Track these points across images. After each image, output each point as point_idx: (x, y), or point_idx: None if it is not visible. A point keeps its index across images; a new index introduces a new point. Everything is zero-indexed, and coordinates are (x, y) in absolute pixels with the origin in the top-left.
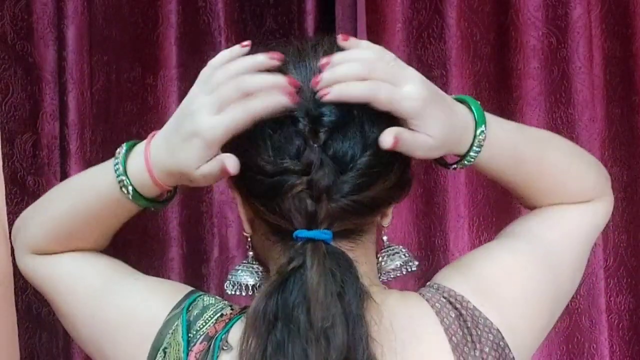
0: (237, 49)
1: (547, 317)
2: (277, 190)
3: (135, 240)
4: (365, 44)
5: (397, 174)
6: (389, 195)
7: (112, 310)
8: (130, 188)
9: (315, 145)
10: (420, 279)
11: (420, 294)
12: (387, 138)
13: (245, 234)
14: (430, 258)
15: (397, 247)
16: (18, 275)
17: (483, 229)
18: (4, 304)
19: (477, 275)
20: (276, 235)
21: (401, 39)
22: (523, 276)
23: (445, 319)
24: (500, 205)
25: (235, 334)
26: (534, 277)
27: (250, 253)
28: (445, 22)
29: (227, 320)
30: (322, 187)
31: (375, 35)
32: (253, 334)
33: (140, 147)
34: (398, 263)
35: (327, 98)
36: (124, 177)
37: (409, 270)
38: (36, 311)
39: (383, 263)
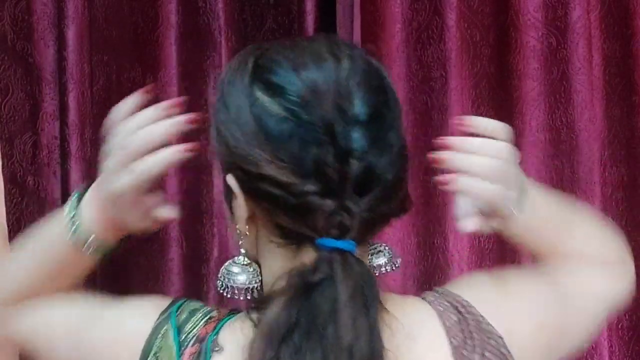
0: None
1: (552, 353)
2: (304, 208)
3: (135, 241)
4: (498, 131)
5: (406, 186)
6: (402, 206)
7: (96, 334)
8: (77, 223)
9: (346, 170)
10: (419, 278)
11: (422, 297)
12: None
13: (238, 232)
14: (430, 258)
15: (380, 245)
16: None
17: None
18: None
19: (486, 287)
20: (287, 239)
21: (400, 40)
22: (534, 301)
23: (446, 321)
24: None
25: (226, 334)
26: (545, 308)
27: (243, 251)
28: (445, 23)
29: (216, 322)
30: (352, 205)
31: (374, 36)
32: (267, 340)
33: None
34: (383, 261)
35: (451, 188)
36: (74, 212)
37: (393, 268)
38: None
39: (368, 261)
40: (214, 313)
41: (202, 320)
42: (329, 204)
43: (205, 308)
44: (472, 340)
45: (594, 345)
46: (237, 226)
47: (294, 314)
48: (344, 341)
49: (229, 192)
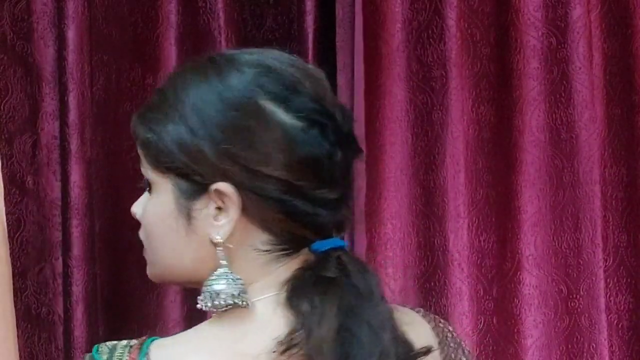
0: None
1: None
2: (317, 213)
3: (135, 240)
4: None
5: None
6: None
7: None
8: None
9: (348, 172)
10: (420, 278)
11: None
12: None
13: (220, 241)
14: (430, 258)
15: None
16: (17, 276)
17: (483, 229)
18: (3, 304)
19: None
20: (282, 245)
21: (401, 39)
22: None
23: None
24: (500, 205)
25: (157, 352)
26: None
27: (224, 262)
28: (445, 23)
29: (139, 346)
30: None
31: (375, 35)
32: (327, 330)
33: None
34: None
35: None
36: None
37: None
38: (35, 311)
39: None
40: (133, 341)
41: (125, 350)
42: (342, 208)
43: (121, 342)
44: None
45: (594, 345)
46: (215, 237)
47: (335, 317)
48: (385, 321)
49: (188, 201)
